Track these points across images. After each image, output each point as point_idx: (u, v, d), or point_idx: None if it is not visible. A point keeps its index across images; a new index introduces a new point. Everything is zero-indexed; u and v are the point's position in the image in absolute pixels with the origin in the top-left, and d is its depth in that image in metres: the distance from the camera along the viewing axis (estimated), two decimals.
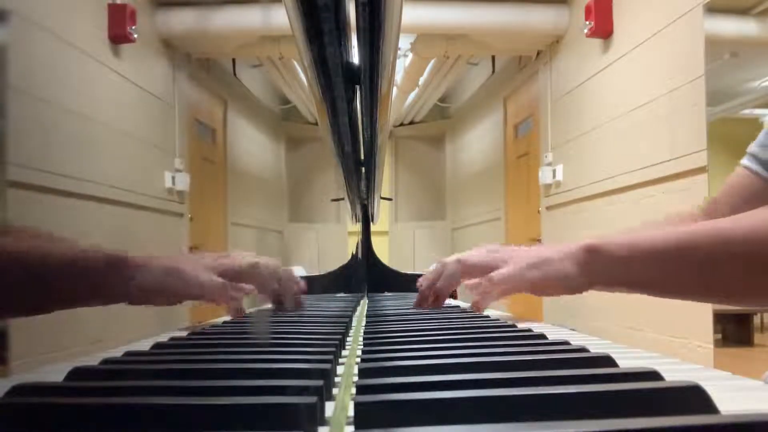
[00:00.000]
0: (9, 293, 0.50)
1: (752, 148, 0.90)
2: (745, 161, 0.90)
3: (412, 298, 1.00)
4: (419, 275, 1.34)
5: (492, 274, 0.66)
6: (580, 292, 0.61)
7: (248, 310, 0.75)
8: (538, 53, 4.34)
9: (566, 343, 0.38)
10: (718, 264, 0.52)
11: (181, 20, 3.86)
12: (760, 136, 0.91)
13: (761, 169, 0.88)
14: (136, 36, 3.35)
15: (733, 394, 0.30)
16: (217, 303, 0.63)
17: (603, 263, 0.59)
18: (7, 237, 0.53)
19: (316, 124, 5.77)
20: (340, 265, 1.49)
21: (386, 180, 6.74)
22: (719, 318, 2.63)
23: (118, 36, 3.27)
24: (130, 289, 0.57)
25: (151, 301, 0.58)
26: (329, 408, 0.27)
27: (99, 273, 0.56)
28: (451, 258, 0.76)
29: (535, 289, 0.63)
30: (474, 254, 0.73)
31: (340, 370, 0.37)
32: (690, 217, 0.96)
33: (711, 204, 0.93)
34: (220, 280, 0.63)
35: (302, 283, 1.00)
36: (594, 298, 0.68)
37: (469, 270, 0.72)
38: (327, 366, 0.30)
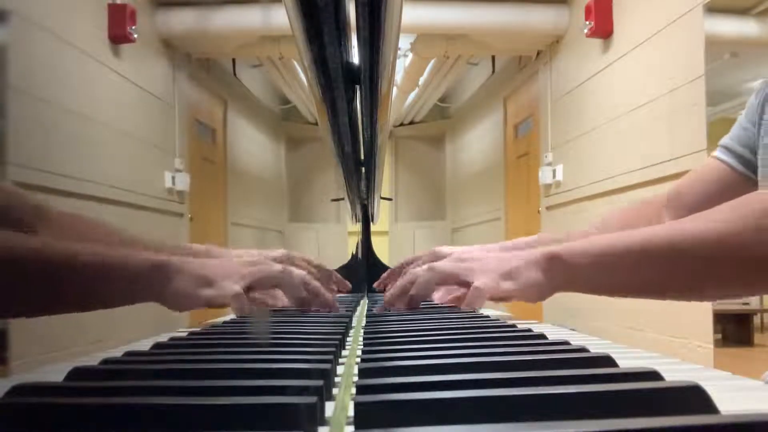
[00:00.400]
0: (52, 290, 0.52)
1: (725, 140, 0.91)
2: (718, 153, 0.90)
3: None
4: None
5: (477, 284, 0.67)
6: (547, 297, 0.65)
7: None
8: (538, 53, 4.34)
9: (566, 343, 0.38)
10: (673, 265, 0.57)
11: (181, 20, 3.86)
12: (734, 129, 0.91)
13: (735, 162, 0.88)
14: (136, 36, 3.35)
15: (733, 394, 0.30)
16: (236, 313, 0.65)
17: (564, 270, 0.63)
18: (55, 230, 0.57)
19: (316, 124, 5.76)
20: (340, 265, 1.49)
21: (386, 180, 6.74)
22: (719, 318, 2.64)
23: (118, 36, 3.27)
24: (165, 294, 0.60)
25: (180, 307, 0.60)
26: (329, 408, 0.27)
27: (142, 277, 0.59)
28: (422, 268, 0.75)
29: (510, 298, 0.66)
30: (445, 264, 0.73)
31: (340, 370, 0.37)
32: (655, 204, 0.98)
33: (674, 194, 0.95)
34: (239, 292, 0.64)
35: (345, 284, 1.01)
36: (594, 298, 0.68)
37: (443, 280, 0.73)
38: (327, 366, 0.30)
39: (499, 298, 0.67)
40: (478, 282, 0.67)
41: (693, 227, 0.56)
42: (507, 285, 0.65)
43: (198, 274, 0.62)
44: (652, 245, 0.58)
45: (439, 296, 0.95)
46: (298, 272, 0.72)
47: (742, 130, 0.89)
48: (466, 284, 0.69)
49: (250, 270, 0.67)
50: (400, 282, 0.76)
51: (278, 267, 0.70)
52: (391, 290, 0.77)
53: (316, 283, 0.73)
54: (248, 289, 0.66)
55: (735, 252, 0.54)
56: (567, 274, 0.63)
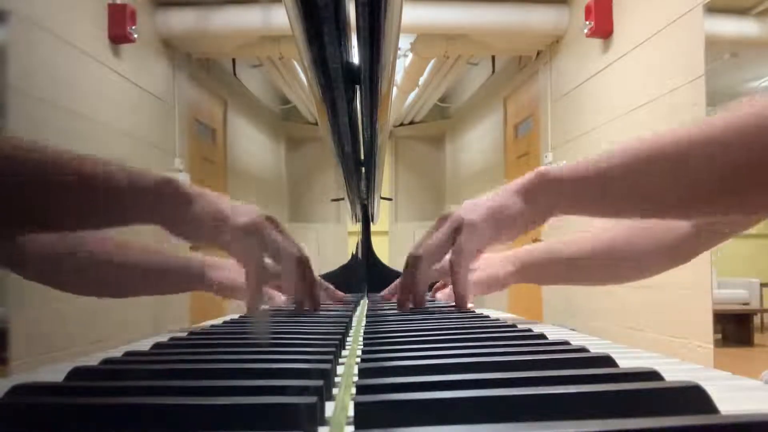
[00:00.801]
0: (59, 207, 0.50)
1: None
2: None
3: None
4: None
5: (452, 249, 0.62)
6: (531, 228, 0.60)
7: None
8: (538, 53, 4.34)
9: (566, 343, 0.39)
10: (681, 169, 0.51)
11: (181, 20, 3.86)
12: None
13: None
14: (136, 36, 3.35)
15: (733, 394, 0.30)
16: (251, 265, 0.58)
17: (554, 187, 0.58)
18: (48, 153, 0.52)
19: (316, 124, 5.76)
20: (340, 265, 1.49)
21: (386, 180, 6.74)
22: (719, 318, 2.64)
23: (118, 36, 3.28)
24: (174, 215, 0.56)
25: (188, 234, 0.56)
26: (329, 408, 0.27)
27: (150, 192, 0.55)
28: (411, 258, 0.69)
29: (497, 242, 0.62)
30: (429, 240, 0.67)
31: (340, 370, 0.37)
32: None
33: None
34: (261, 224, 0.58)
35: (337, 295, 0.89)
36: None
37: (433, 256, 0.67)
38: (327, 366, 0.30)
39: (484, 248, 0.62)
40: (456, 246, 0.62)
41: (699, 130, 0.52)
42: (489, 232, 0.60)
43: (215, 205, 0.57)
44: (657, 148, 0.53)
45: (445, 294, 0.90)
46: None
47: None
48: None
49: (268, 225, 0.60)
50: (400, 282, 0.71)
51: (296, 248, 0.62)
52: (400, 291, 0.71)
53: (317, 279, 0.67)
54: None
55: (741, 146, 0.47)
56: (554, 192, 0.58)
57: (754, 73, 2.90)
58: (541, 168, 0.59)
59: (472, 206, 0.62)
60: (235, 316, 0.72)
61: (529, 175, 0.60)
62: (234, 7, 3.80)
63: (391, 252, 6.74)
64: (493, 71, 5.23)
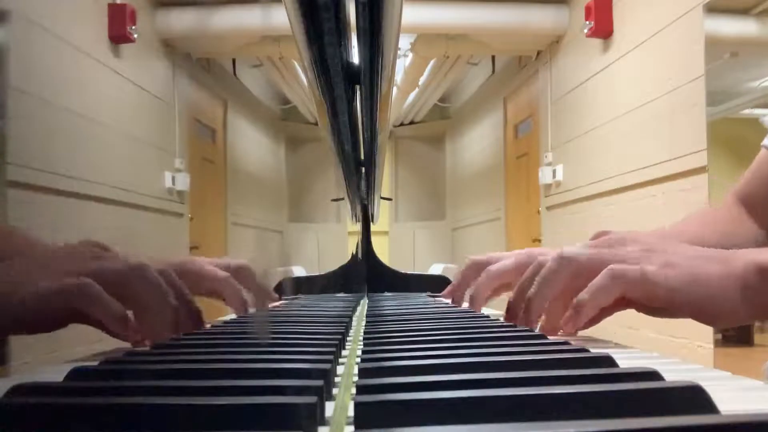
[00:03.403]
0: None
1: None
2: (766, 141, 0.79)
3: (413, 298, 1.00)
4: (421, 276, 1.32)
5: (614, 266, 0.45)
6: (730, 325, 0.45)
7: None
8: (538, 53, 4.35)
9: (566, 343, 0.38)
10: None
11: (181, 20, 3.86)
12: None
13: None
14: (136, 36, 3.35)
15: (733, 394, 0.30)
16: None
17: None
18: None
19: (316, 124, 5.76)
20: (340, 265, 1.49)
21: (386, 180, 6.74)
22: None
23: (118, 36, 3.28)
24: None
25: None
26: (329, 408, 0.27)
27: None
28: (551, 256, 0.51)
29: (671, 304, 0.44)
30: (585, 250, 0.49)
31: (340, 370, 0.37)
32: (723, 211, 0.82)
33: (746, 197, 0.80)
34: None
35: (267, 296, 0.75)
36: None
37: (579, 271, 0.48)
38: (327, 366, 0.30)
39: (645, 304, 0.45)
40: (645, 265, 0.44)
41: None
42: (672, 281, 0.43)
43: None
44: None
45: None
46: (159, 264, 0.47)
47: None
48: None
49: (80, 266, 0.43)
50: (522, 283, 0.54)
51: (133, 259, 0.45)
52: (515, 292, 0.55)
53: (178, 283, 0.48)
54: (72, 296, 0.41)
55: None
56: None
57: (754, 73, 2.90)
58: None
59: (690, 269, 0.44)
60: (235, 316, 0.71)
61: (754, 262, 0.43)
62: (234, 7, 3.81)
63: (391, 252, 6.74)
64: (493, 71, 5.23)
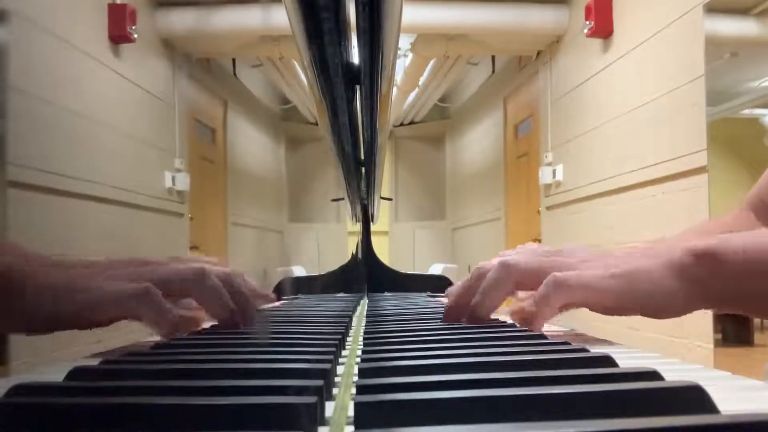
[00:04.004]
0: None
1: None
2: None
3: (413, 298, 1.00)
4: (421, 276, 1.32)
5: (556, 274, 0.46)
6: (674, 316, 0.45)
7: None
8: (538, 53, 4.35)
9: (566, 343, 0.39)
10: None
11: (181, 20, 3.86)
12: None
13: None
14: (136, 36, 3.35)
15: (733, 394, 0.30)
16: (155, 325, 0.46)
17: (720, 275, 0.42)
18: None
19: (316, 124, 5.76)
20: (340, 265, 1.49)
21: (386, 180, 6.74)
22: (719, 318, 2.64)
23: (118, 36, 3.28)
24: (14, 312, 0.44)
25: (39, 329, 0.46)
26: (329, 408, 0.27)
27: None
28: (491, 261, 0.52)
29: (616, 304, 0.45)
30: (523, 257, 0.51)
31: (340, 370, 0.37)
32: (735, 216, 0.81)
33: (759, 202, 0.74)
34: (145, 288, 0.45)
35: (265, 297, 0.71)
36: None
37: (523, 278, 0.50)
38: (327, 366, 0.30)
39: (595, 302, 0.46)
40: (564, 273, 0.45)
41: None
42: (616, 284, 0.44)
43: (76, 283, 0.44)
44: None
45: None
46: (222, 271, 0.51)
47: None
48: None
49: (153, 267, 0.48)
50: (462, 284, 0.54)
51: (194, 264, 0.50)
52: (450, 298, 0.55)
53: (245, 288, 0.52)
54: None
55: None
56: (720, 280, 0.42)
57: (754, 73, 2.90)
58: (704, 246, 0.43)
59: (623, 266, 0.46)
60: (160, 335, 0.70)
61: (689, 249, 0.43)
62: (234, 7, 3.81)
63: (391, 252, 6.74)
64: (493, 71, 5.23)
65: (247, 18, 3.82)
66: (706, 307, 0.45)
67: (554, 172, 4.04)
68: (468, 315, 0.51)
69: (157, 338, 0.49)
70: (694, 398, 0.23)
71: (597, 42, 3.45)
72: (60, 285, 0.45)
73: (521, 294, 0.58)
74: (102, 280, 0.46)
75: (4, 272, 0.44)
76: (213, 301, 0.48)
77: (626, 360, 0.33)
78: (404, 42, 4.41)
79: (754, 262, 0.42)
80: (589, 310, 0.47)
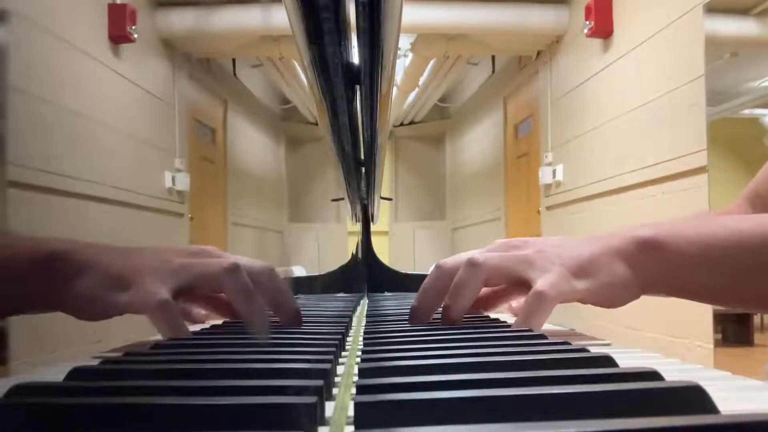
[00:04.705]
0: None
1: None
2: None
3: (413, 298, 1.00)
4: (421, 276, 1.32)
5: (540, 288, 0.47)
6: (631, 300, 0.48)
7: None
8: (538, 53, 4.35)
9: (566, 343, 0.39)
10: None
11: (181, 20, 3.86)
12: None
13: None
14: (136, 36, 3.35)
15: (733, 394, 0.30)
16: (163, 331, 0.47)
17: (662, 262, 0.45)
18: None
19: (316, 124, 5.76)
20: (340, 265, 1.49)
21: (386, 180, 6.74)
22: (719, 318, 2.64)
23: (118, 36, 3.28)
24: (64, 298, 0.45)
25: (85, 315, 0.46)
26: (329, 408, 0.27)
27: (32, 274, 0.45)
28: (456, 258, 0.51)
29: (584, 301, 0.48)
30: (492, 254, 0.50)
31: (340, 370, 0.37)
32: (736, 210, 0.80)
33: (755, 196, 0.80)
34: (165, 299, 0.45)
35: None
36: None
37: (493, 276, 0.49)
38: (327, 366, 0.30)
39: (569, 301, 0.48)
40: (542, 282, 0.47)
41: None
42: (581, 284, 0.46)
43: (109, 271, 0.45)
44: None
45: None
46: (258, 265, 0.50)
47: None
48: (523, 283, 0.48)
49: (183, 262, 0.47)
50: (429, 284, 0.52)
51: (227, 260, 0.49)
52: (417, 297, 0.53)
53: (281, 287, 0.51)
54: (179, 292, 0.47)
55: None
56: (666, 267, 0.45)
57: (754, 73, 2.90)
58: (647, 234, 0.46)
59: (564, 251, 0.48)
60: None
61: (633, 237, 0.46)
62: (234, 7, 3.81)
63: (391, 252, 6.74)
64: (493, 71, 5.23)
65: (247, 18, 3.82)
66: (654, 294, 0.47)
67: (554, 172, 4.04)
68: (442, 317, 0.51)
69: (157, 338, 0.49)
70: (694, 398, 0.23)
71: (597, 42, 3.45)
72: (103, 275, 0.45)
73: (514, 303, 0.59)
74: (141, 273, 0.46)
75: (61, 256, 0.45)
76: (242, 301, 0.48)
77: (626, 360, 0.33)
78: (404, 42, 4.41)
79: (692, 249, 0.44)
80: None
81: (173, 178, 3.99)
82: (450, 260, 0.52)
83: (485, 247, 0.54)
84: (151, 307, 0.44)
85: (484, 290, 0.56)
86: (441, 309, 0.51)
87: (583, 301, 0.48)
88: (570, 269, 0.46)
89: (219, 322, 0.65)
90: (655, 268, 0.45)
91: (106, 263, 0.46)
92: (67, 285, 0.44)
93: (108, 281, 0.45)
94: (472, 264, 0.49)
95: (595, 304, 0.48)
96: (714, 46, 2.61)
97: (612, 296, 0.47)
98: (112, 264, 0.46)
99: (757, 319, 3.06)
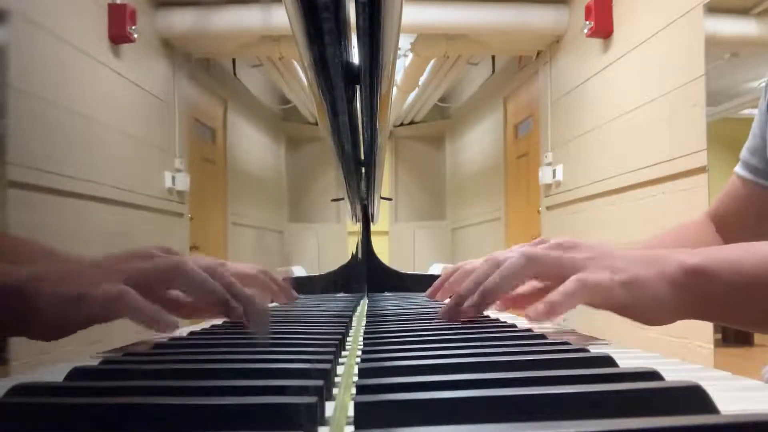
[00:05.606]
0: None
1: (743, 152, 0.84)
2: (737, 169, 0.83)
3: (413, 298, 1.00)
4: (421, 276, 1.32)
5: (583, 276, 0.48)
6: (667, 323, 0.49)
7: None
8: (538, 53, 4.34)
9: (566, 343, 0.39)
10: None
11: (181, 20, 3.86)
12: (749, 137, 0.84)
13: (753, 176, 0.81)
14: (136, 36, 3.35)
15: (733, 394, 0.30)
16: (135, 317, 0.45)
17: (708, 290, 0.47)
18: None
19: (316, 124, 5.76)
20: (340, 265, 1.49)
21: (386, 180, 6.74)
22: None
23: (118, 36, 3.28)
24: (30, 326, 0.46)
25: (50, 337, 0.47)
26: (329, 408, 0.27)
27: None
28: (510, 251, 0.55)
29: (619, 311, 0.49)
30: (546, 251, 0.52)
31: (340, 370, 0.37)
32: (696, 226, 0.87)
33: (716, 217, 0.86)
34: (123, 290, 0.45)
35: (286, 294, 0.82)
36: None
37: (542, 272, 0.52)
38: (327, 366, 0.30)
39: (604, 307, 0.49)
40: (587, 274, 0.48)
41: None
42: (622, 296, 0.48)
43: (62, 289, 0.44)
44: None
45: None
46: (205, 261, 0.50)
47: (753, 138, 0.83)
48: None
49: (128, 267, 0.47)
50: (477, 272, 0.54)
51: (173, 258, 0.49)
52: (463, 284, 0.55)
53: (229, 277, 0.51)
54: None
55: None
56: (709, 294, 0.47)
57: (754, 73, 2.90)
58: (693, 261, 0.48)
59: (615, 260, 0.50)
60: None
61: (679, 262, 0.48)
62: (234, 7, 3.80)
63: (391, 252, 6.74)
64: (493, 71, 5.23)
65: (247, 18, 3.82)
66: (694, 318, 0.49)
67: (554, 172, 4.04)
68: (479, 293, 0.52)
69: (156, 338, 0.49)
70: (694, 398, 0.23)
71: (597, 42, 3.45)
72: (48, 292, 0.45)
73: (535, 283, 0.62)
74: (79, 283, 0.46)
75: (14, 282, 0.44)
76: (198, 288, 0.48)
77: (626, 360, 0.33)
78: (404, 42, 4.41)
79: (736, 278, 0.46)
80: (592, 307, 0.50)
81: (173, 178, 3.99)
82: (503, 253, 0.55)
83: (531, 242, 0.56)
84: (112, 303, 0.44)
85: (525, 288, 0.60)
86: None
87: (621, 313, 0.49)
88: (616, 280, 0.48)
89: (219, 322, 0.65)
90: (699, 293, 0.47)
91: (57, 281, 0.45)
92: (28, 314, 0.44)
93: (63, 298, 0.44)
94: (526, 256, 0.51)
95: (633, 318, 0.49)
96: (714, 46, 2.61)
97: (650, 314, 0.48)
98: (62, 281, 0.45)
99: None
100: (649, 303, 0.48)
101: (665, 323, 0.49)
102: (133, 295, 0.44)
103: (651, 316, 0.49)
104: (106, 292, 0.44)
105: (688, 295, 0.47)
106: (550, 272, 0.51)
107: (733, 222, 0.83)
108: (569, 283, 0.48)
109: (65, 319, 0.45)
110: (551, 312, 0.49)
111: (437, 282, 0.81)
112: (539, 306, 0.50)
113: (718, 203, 0.86)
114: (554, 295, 0.49)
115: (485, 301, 0.52)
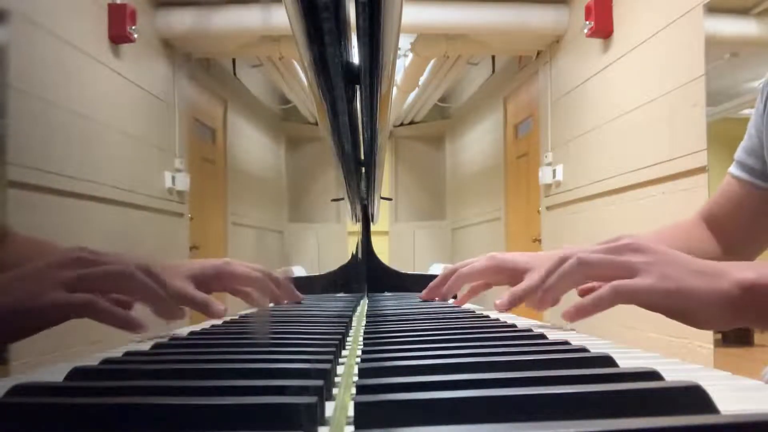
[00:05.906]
0: None
1: (738, 153, 0.84)
2: (732, 169, 0.84)
3: (413, 298, 1.00)
4: (421, 276, 1.32)
5: (620, 283, 0.51)
6: (714, 330, 0.56)
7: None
8: (538, 53, 4.34)
9: (566, 343, 0.39)
10: None
11: (181, 20, 3.86)
12: (744, 137, 0.83)
13: (749, 176, 0.81)
14: (136, 36, 3.35)
15: (733, 394, 0.30)
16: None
17: (762, 303, 0.49)
18: None
19: (316, 124, 5.76)
20: (340, 265, 1.49)
21: (386, 180, 6.74)
22: None
23: (118, 36, 3.28)
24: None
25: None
26: (329, 408, 0.27)
27: None
28: (566, 251, 0.58)
29: (665, 314, 0.51)
30: (598, 255, 0.55)
31: (340, 370, 0.37)
32: (689, 225, 0.89)
33: (709, 216, 0.87)
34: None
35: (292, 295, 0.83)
36: None
37: (595, 273, 0.55)
38: (327, 366, 0.30)
39: (650, 308, 0.51)
40: (630, 280, 0.51)
41: None
42: (671, 302, 0.50)
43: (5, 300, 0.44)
44: None
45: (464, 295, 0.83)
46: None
47: (749, 138, 0.82)
48: None
49: (67, 275, 0.46)
50: (550, 267, 0.59)
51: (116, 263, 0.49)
52: (524, 284, 0.63)
53: (181, 286, 0.52)
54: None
55: None
56: (762, 307, 0.49)
57: (754, 73, 2.90)
58: (751, 278, 0.49)
59: (682, 287, 0.51)
60: (236, 317, 0.72)
61: (737, 280, 0.50)
62: (234, 7, 3.80)
63: (391, 252, 6.74)
64: (493, 71, 5.23)
65: (247, 18, 3.82)
66: (741, 326, 0.52)
67: (554, 172, 4.04)
68: (539, 296, 0.59)
69: (156, 338, 0.49)
70: (694, 398, 0.23)
71: (597, 42, 3.45)
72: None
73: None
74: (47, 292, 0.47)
75: None
76: (138, 291, 0.49)
77: (626, 360, 0.33)
78: (404, 42, 4.41)
79: None
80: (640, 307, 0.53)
81: (173, 178, 3.99)
82: (571, 248, 0.59)
83: (603, 240, 0.58)
84: (76, 309, 0.45)
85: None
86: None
87: (667, 316, 0.52)
88: (660, 288, 0.50)
89: (219, 322, 0.64)
90: (753, 306, 0.49)
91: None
92: None
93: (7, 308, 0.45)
94: (581, 262, 0.55)
95: (680, 321, 0.52)
96: (714, 46, 2.61)
97: (695, 321, 0.51)
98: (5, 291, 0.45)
99: None
100: (693, 312, 0.50)
101: (715, 330, 0.54)
102: (102, 304, 0.45)
103: (696, 323, 0.51)
104: (72, 301, 0.45)
105: (741, 311, 0.49)
106: (604, 275, 0.54)
107: (728, 222, 0.84)
108: (603, 290, 0.51)
109: (12, 329, 0.46)
110: (578, 316, 0.55)
111: (432, 284, 0.87)
112: (571, 309, 0.55)
113: (713, 203, 0.88)
114: (586, 300, 0.53)
115: (547, 299, 0.59)
